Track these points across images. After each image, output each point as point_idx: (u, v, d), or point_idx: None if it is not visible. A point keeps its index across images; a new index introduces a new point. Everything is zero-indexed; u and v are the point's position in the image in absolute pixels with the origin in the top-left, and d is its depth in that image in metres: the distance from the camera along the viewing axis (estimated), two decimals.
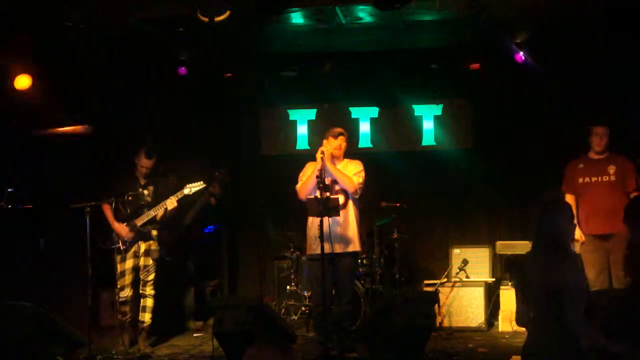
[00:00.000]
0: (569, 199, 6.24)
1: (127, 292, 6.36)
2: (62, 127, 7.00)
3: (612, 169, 6.22)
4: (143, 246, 6.38)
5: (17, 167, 7.25)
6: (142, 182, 6.48)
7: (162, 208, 6.34)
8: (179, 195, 6.34)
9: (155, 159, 6.45)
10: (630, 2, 6.29)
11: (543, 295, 3.94)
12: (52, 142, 7.23)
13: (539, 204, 4.20)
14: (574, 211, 6.08)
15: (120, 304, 6.38)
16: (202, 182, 6.49)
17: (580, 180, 6.30)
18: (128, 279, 6.37)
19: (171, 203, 6.32)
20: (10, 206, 6.59)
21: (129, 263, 6.36)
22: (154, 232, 6.47)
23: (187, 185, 6.39)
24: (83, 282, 5.95)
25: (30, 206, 6.84)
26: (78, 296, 6.37)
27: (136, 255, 6.38)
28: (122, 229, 6.29)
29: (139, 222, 6.32)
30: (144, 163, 6.43)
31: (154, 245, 6.45)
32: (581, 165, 6.35)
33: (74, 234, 6.30)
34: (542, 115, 8.01)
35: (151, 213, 6.33)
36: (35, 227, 7.44)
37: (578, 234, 6.16)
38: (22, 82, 7.04)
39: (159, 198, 6.41)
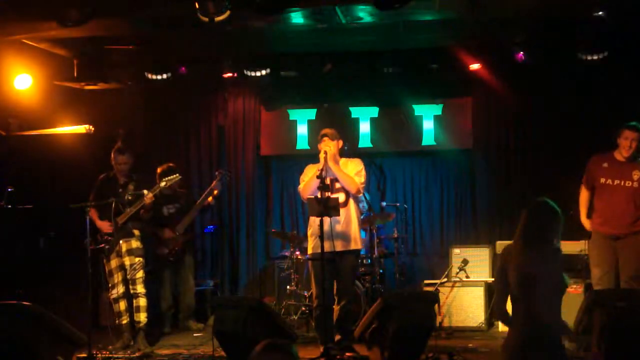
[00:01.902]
0: (585, 193, 6.20)
1: (118, 290, 6.39)
2: (62, 127, 6.99)
3: (636, 175, 6.02)
4: (124, 245, 6.38)
5: (17, 167, 7.26)
6: (122, 181, 6.49)
7: (141, 204, 6.32)
8: (155, 189, 6.33)
9: (128, 153, 6.50)
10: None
11: (520, 285, 4.03)
12: (51, 141, 7.22)
13: (530, 207, 4.23)
14: (587, 204, 6.15)
15: (114, 301, 6.39)
16: (177, 175, 6.51)
17: (602, 180, 6.12)
18: (116, 277, 6.39)
19: (148, 198, 6.30)
20: (10, 206, 6.60)
21: (114, 262, 6.39)
22: (136, 232, 6.46)
23: (163, 179, 6.41)
24: (83, 282, 5.95)
25: (31, 206, 6.86)
26: (78, 296, 6.38)
27: (119, 255, 6.39)
28: (104, 224, 6.33)
29: (120, 220, 6.32)
30: (120, 160, 6.48)
31: (134, 244, 6.44)
32: (605, 165, 6.14)
33: (74, 234, 6.30)
34: (543, 115, 8.01)
35: (131, 210, 6.32)
36: (35, 227, 7.46)
37: (586, 224, 6.15)
38: (22, 82, 7.06)
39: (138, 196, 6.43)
